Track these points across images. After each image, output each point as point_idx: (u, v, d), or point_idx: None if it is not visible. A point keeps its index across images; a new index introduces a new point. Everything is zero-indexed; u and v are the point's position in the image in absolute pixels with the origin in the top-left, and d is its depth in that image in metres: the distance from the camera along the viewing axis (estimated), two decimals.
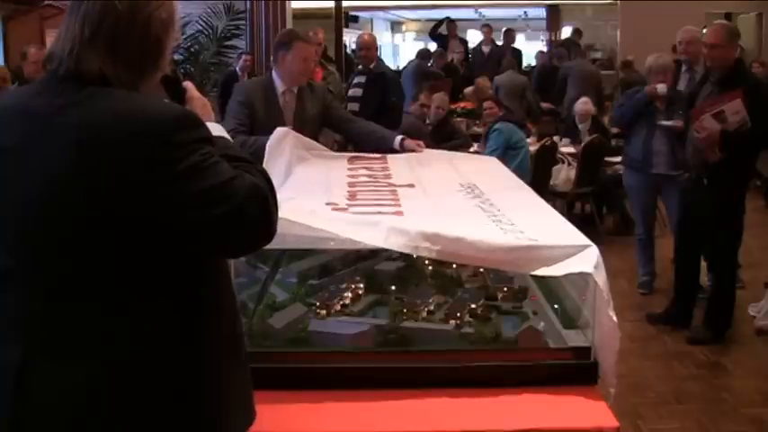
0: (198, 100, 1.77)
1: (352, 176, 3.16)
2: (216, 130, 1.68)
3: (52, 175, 1.46)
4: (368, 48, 6.41)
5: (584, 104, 7.78)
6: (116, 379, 1.50)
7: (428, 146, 6.74)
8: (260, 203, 1.54)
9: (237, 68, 9.31)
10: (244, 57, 9.50)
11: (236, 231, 1.52)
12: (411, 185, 2.98)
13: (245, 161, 1.64)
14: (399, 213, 2.49)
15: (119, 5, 1.52)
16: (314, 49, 4.29)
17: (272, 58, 4.27)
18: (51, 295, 1.50)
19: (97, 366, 1.49)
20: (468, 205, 2.68)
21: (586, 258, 2.18)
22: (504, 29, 13.19)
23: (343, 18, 12.57)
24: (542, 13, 17.09)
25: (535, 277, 2.77)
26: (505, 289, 2.67)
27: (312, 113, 4.03)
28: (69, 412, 1.49)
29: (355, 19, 17.33)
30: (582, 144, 7.31)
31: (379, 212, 2.46)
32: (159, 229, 1.48)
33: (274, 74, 4.07)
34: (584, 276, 2.24)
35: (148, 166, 1.45)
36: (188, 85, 1.78)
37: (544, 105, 10.34)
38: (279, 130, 3.26)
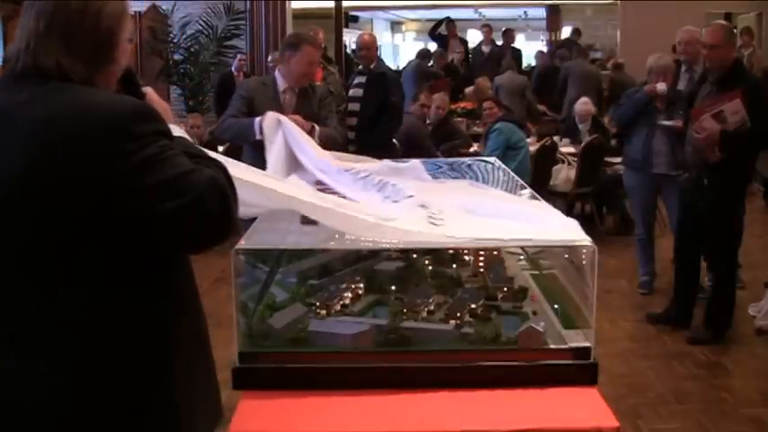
0: (158, 104, 1.79)
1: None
2: (176, 131, 1.70)
3: (14, 170, 1.47)
4: (368, 48, 6.41)
5: (584, 104, 7.78)
6: (77, 377, 1.51)
7: (428, 146, 6.80)
8: (218, 197, 1.54)
9: (233, 68, 9.33)
10: (239, 57, 9.51)
11: (193, 224, 1.52)
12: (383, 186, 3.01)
13: (206, 158, 1.65)
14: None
15: (71, 1, 1.56)
16: (319, 53, 4.38)
17: (269, 57, 4.34)
18: (12, 290, 1.51)
19: (58, 364, 1.50)
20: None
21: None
22: (503, 29, 13.19)
23: (343, 18, 12.58)
24: (542, 13, 17.09)
25: (535, 277, 2.78)
26: (505, 289, 2.66)
27: (310, 112, 4.11)
28: (27, 411, 1.50)
29: (355, 19, 17.34)
30: (582, 144, 7.31)
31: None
32: (118, 222, 1.48)
33: (278, 72, 4.22)
34: (584, 276, 2.24)
35: (107, 158, 1.46)
36: (148, 90, 1.79)
37: (540, 108, 10.33)
38: (270, 116, 3.25)
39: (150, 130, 1.51)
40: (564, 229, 2.48)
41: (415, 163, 3.46)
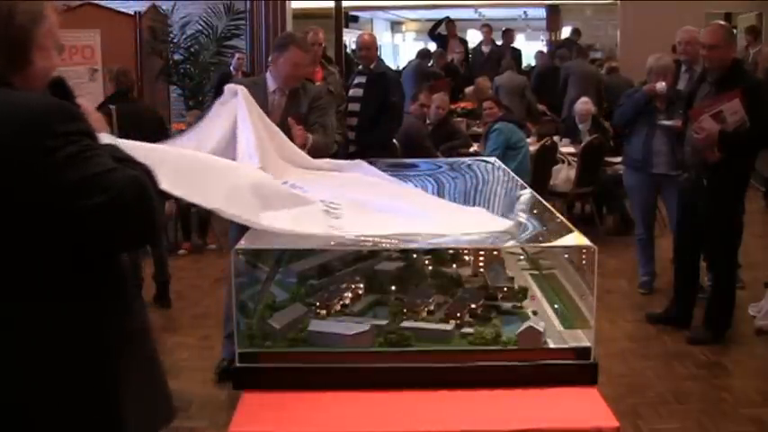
0: (91, 114, 1.80)
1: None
2: (107, 139, 1.72)
3: None
4: (368, 48, 6.40)
5: (583, 104, 7.78)
6: (11, 376, 1.52)
7: (428, 146, 6.79)
8: (139, 196, 1.56)
9: (231, 67, 9.32)
10: (237, 55, 9.50)
11: (114, 221, 1.54)
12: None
13: (132, 161, 1.66)
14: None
15: None
16: (308, 56, 4.30)
17: (269, 57, 4.30)
18: None
19: None
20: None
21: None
22: (503, 29, 13.19)
23: (343, 18, 12.56)
24: (542, 13, 17.08)
25: (535, 277, 2.78)
26: (505, 289, 2.67)
27: (301, 114, 4.07)
28: None
29: (355, 19, 17.34)
30: (582, 144, 7.31)
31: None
32: (41, 218, 1.50)
33: (268, 73, 4.18)
34: (584, 276, 2.24)
35: (30, 154, 1.48)
36: (81, 101, 1.80)
37: (540, 107, 10.33)
38: (228, 90, 3.23)
39: (74, 129, 1.54)
40: (472, 223, 2.60)
41: (360, 162, 3.50)
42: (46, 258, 1.54)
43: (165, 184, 1.77)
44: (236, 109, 3.06)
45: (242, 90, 3.18)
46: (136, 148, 1.81)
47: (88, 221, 1.52)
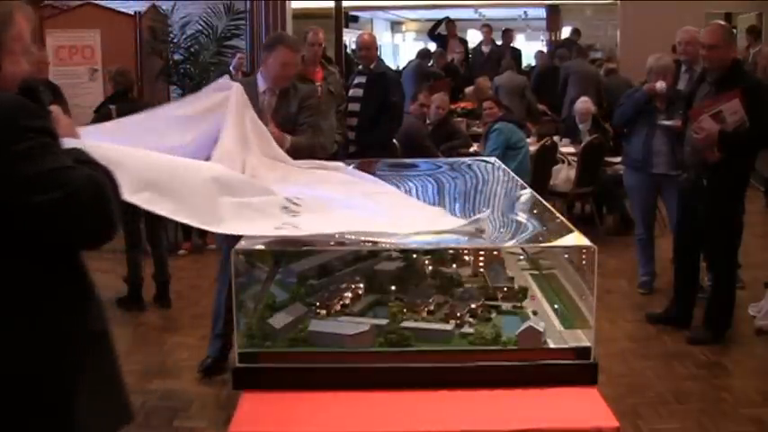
0: (63, 120, 1.81)
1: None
2: (73, 143, 1.74)
3: None
4: (368, 48, 6.40)
5: (583, 103, 7.78)
6: None
7: (428, 146, 6.79)
8: (95, 195, 1.58)
9: (231, 67, 9.31)
10: (238, 55, 9.49)
11: (68, 218, 1.55)
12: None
13: (94, 164, 1.68)
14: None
15: None
16: (297, 55, 4.26)
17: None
18: None
19: None
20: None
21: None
22: (503, 29, 13.19)
23: (343, 18, 12.57)
24: (542, 13, 17.08)
25: (535, 277, 2.78)
26: (505, 289, 2.67)
27: (288, 113, 4.06)
28: None
29: (355, 19, 17.34)
30: (582, 144, 7.31)
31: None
32: None
33: (259, 74, 4.16)
34: (584, 276, 2.24)
35: None
36: (54, 108, 1.81)
37: (541, 107, 10.34)
38: (222, 83, 3.25)
39: (36, 126, 1.56)
40: (434, 221, 2.64)
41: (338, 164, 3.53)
42: (2, 254, 1.55)
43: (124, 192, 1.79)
44: (226, 103, 3.08)
45: (237, 87, 3.19)
46: (94, 148, 1.81)
47: (43, 217, 1.53)
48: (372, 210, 2.80)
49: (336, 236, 2.49)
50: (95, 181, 1.59)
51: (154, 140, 2.73)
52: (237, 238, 2.50)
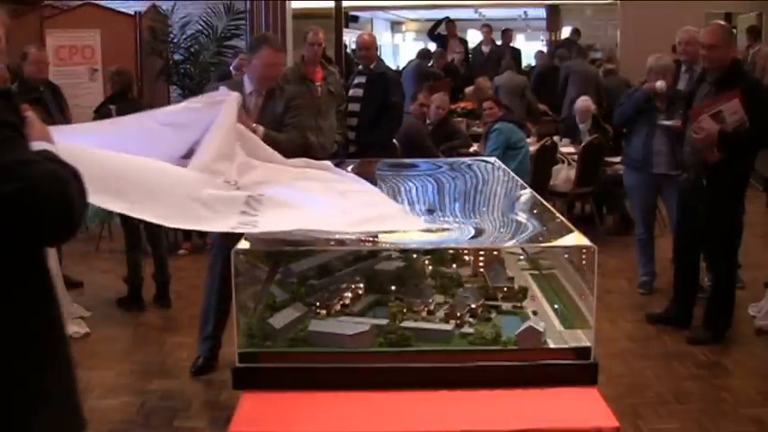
0: (37, 125, 1.81)
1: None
2: (42, 146, 1.72)
3: None
4: (368, 48, 6.40)
5: (584, 102, 7.78)
6: None
7: (428, 146, 6.79)
8: (57, 190, 1.55)
9: (232, 67, 9.32)
10: (240, 56, 9.48)
11: (28, 211, 1.53)
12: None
13: (61, 163, 1.66)
14: None
15: None
16: (282, 55, 4.24)
17: None
18: None
19: None
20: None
21: None
22: (502, 29, 13.19)
23: (343, 18, 12.57)
24: (542, 13, 17.08)
25: (535, 277, 2.78)
26: (505, 289, 2.67)
27: (275, 113, 4.06)
28: None
29: (355, 19, 17.34)
30: (582, 144, 7.31)
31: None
32: None
33: (246, 75, 4.15)
34: (584, 276, 2.24)
35: None
36: (28, 113, 1.81)
37: (542, 107, 10.34)
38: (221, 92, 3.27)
39: (1, 119, 1.55)
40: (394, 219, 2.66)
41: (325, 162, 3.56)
42: None
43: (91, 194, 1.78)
44: (218, 110, 3.10)
45: (235, 97, 3.21)
46: (66, 150, 1.81)
47: (2, 208, 1.52)
48: (338, 207, 2.81)
49: (291, 233, 2.51)
50: (59, 177, 1.57)
51: (136, 143, 2.74)
52: (237, 238, 2.50)
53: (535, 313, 2.55)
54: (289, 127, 4.11)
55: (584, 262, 2.45)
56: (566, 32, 14.99)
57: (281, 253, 2.76)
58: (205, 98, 3.26)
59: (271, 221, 2.48)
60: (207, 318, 4.20)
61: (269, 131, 3.89)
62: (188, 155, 2.85)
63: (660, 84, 5.24)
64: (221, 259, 3.81)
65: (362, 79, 6.34)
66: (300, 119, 4.28)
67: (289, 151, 4.10)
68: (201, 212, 2.45)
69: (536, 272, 2.83)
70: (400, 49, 20.72)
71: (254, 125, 3.79)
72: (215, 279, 4.09)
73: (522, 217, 3.11)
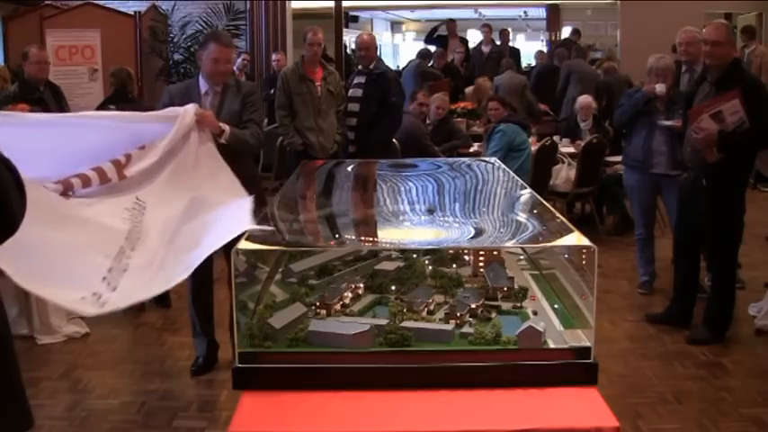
0: None
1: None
2: None
3: None
4: (367, 48, 6.41)
5: (586, 99, 7.79)
6: None
7: (428, 145, 6.80)
8: None
9: (235, 68, 9.32)
10: (243, 56, 9.48)
11: None
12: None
13: (4, 163, 1.65)
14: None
15: None
16: (229, 50, 4.15)
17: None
18: None
19: None
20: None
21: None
22: (499, 29, 13.21)
23: (343, 18, 12.58)
24: (542, 13, 17.10)
25: (535, 277, 2.78)
26: (505, 289, 2.67)
27: (232, 110, 4.01)
28: None
29: (355, 19, 17.35)
30: (582, 143, 7.31)
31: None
32: None
33: (201, 74, 4.12)
34: (584, 276, 2.24)
35: None
36: None
37: (543, 107, 10.34)
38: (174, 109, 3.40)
39: None
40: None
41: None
42: None
43: None
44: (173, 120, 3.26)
45: (189, 108, 3.37)
46: None
47: None
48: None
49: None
50: None
51: (78, 140, 2.94)
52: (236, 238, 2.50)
53: (535, 313, 2.55)
54: (249, 122, 4.06)
55: (584, 262, 2.44)
56: (566, 32, 15.00)
57: (281, 253, 2.76)
58: (164, 113, 3.41)
59: (124, 295, 2.51)
60: (193, 320, 4.28)
61: (235, 130, 3.88)
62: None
63: (660, 88, 5.24)
64: None
65: (362, 79, 6.35)
66: (259, 114, 4.24)
67: (255, 147, 4.13)
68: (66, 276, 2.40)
69: (536, 272, 2.83)
70: (400, 49, 20.73)
71: (222, 124, 3.78)
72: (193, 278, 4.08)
73: (522, 217, 3.11)
